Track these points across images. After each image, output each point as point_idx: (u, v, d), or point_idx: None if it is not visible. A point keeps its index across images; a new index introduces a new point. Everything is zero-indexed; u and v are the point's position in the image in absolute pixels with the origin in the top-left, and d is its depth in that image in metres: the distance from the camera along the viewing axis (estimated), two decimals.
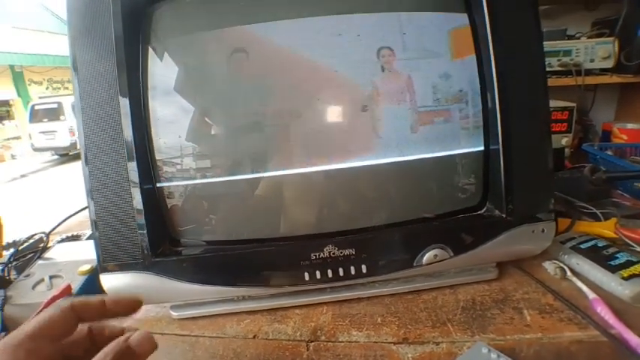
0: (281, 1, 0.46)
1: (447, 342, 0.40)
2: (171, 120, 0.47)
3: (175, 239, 0.49)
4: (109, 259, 0.46)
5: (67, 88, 9.81)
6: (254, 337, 0.44)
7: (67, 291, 0.50)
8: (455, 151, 0.48)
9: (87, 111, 0.45)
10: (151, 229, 0.45)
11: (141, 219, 0.45)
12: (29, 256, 0.67)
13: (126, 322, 0.49)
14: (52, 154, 7.70)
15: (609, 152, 0.84)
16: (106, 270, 0.47)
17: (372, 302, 0.48)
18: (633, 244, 0.52)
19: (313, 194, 0.47)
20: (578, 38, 1.03)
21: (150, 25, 0.46)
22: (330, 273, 0.45)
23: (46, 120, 6.97)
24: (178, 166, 0.47)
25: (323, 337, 0.42)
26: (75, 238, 0.77)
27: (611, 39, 0.95)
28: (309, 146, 0.46)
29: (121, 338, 0.27)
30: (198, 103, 0.47)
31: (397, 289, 0.49)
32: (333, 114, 0.46)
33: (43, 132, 7.00)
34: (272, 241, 0.47)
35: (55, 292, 0.50)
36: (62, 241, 0.73)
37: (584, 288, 0.46)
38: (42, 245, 0.68)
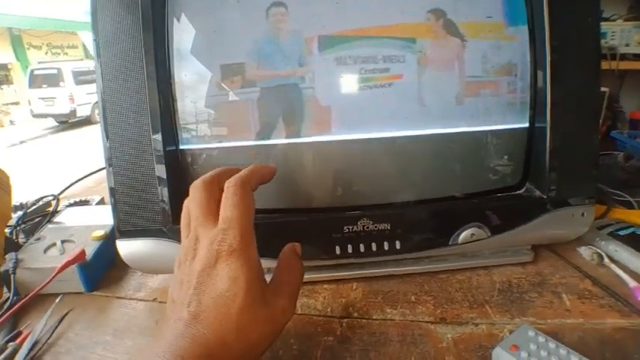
0: None
1: (486, 323, 0.38)
2: (192, 85, 0.44)
3: None
4: (127, 224, 0.44)
5: (66, 54, 9.61)
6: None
7: (81, 257, 0.48)
8: (500, 127, 0.45)
9: (107, 71, 0.41)
10: (172, 194, 0.43)
11: (163, 183, 0.43)
12: (37, 219, 0.65)
13: (141, 293, 0.48)
14: (53, 121, 7.60)
15: (639, 140, 0.81)
16: (123, 235, 0.45)
17: (404, 280, 0.46)
18: None
19: (350, 164, 0.45)
20: (614, 20, 0.99)
21: None
22: (362, 247, 0.43)
23: (45, 86, 6.86)
24: (197, 132, 0.45)
25: (355, 314, 0.41)
26: (84, 203, 0.74)
27: None
28: (349, 111, 0.43)
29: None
30: (224, 64, 0.43)
31: (429, 268, 0.47)
32: (378, 77, 0.42)
33: (42, 98, 6.89)
34: (303, 212, 0.45)
35: (68, 257, 0.48)
36: (71, 205, 0.71)
37: (624, 275, 0.44)
38: (52, 209, 0.66)
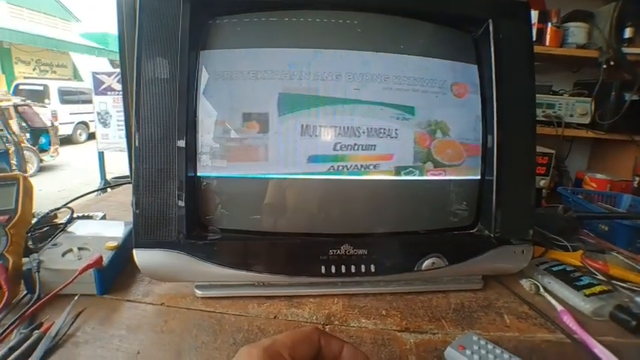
0: (330, 33, 0.55)
1: (441, 333, 0.48)
2: (213, 123, 0.53)
3: (204, 225, 0.54)
4: (146, 235, 0.51)
5: (55, 72, 9.60)
6: (275, 317, 0.50)
7: (98, 262, 0.55)
8: (459, 178, 0.57)
9: (145, 106, 0.50)
10: (188, 213, 0.51)
11: (181, 202, 0.51)
12: (45, 228, 0.70)
13: (149, 298, 0.55)
14: None
15: (580, 197, 0.96)
16: (141, 245, 0.52)
17: (377, 298, 0.55)
18: (595, 272, 0.62)
19: (338, 199, 0.55)
20: (561, 94, 1.18)
21: (208, 36, 0.53)
22: (343, 269, 0.52)
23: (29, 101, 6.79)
24: (213, 163, 0.53)
25: (336, 322, 0.49)
26: (88, 217, 0.80)
27: (589, 99, 1.09)
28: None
29: None
30: (246, 112, 0.53)
31: (398, 289, 0.56)
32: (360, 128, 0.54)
33: None
34: (296, 236, 0.54)
35: (88, 261, 0.54)
36: (79, 218, 0.77)
37: (554, 302, 0.55)
38: (64, 219, 0.72)
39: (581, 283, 0.56)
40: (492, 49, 0.55)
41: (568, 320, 0.50)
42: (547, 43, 1.11)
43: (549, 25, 1.10)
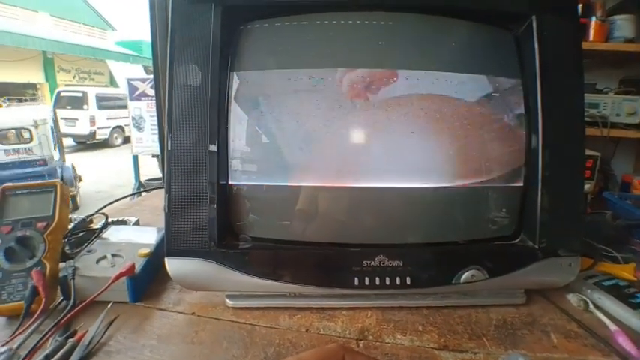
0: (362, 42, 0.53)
1: (483, 352, 0.45)
2: (244, 133, 0.52)
3: (235, 233, 0.54)
4: (177, 244, 0.51)
5: (92, 79, 10.09)
6: (306, 330, 0.49)
7: (131, 270, 0.55)
8: (499, 184, 0.53)
9: (178, 114, 0.50)
10: (219, 221, 0.50)
11: (213, 211, 0.50)
12: (81, 233, 0.72)
13: (180, 306, 0.54)
14: (71, 141, 7.85)
15: (629, 202, 0.89)
16: (172, 254, 0.52)
17: (412, 312, 0.52)
18: None
19: (371, 208, 0.53)
20: (606, 93, 1.10)
21: (239, 41, 0.52)
22: (377, 280, 0.50)
23: (69, 107, 7.17)
24: (244, 171, 0.53)
25: (371, 337, 0.47)
26: (121, 222, 0.82)
27: (637, 97, 1.02)
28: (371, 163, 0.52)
29: None
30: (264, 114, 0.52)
31: (435, 303, 0.53)
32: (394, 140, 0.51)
33: (64, 118, 7.16)
34: (329, 245, 0.52)
35: (121, 269, 0.54)
36: (113, 224, 0.78)
37: (606, 320, 0.50)
38: (99, 225, 0.73)
39: (637, 300, 0.51)
40: (536, 48, 0.51)
41: (624, 342, 0.46)
42: (591, 38, 1.04)
43: (593, 19, 1.03)
